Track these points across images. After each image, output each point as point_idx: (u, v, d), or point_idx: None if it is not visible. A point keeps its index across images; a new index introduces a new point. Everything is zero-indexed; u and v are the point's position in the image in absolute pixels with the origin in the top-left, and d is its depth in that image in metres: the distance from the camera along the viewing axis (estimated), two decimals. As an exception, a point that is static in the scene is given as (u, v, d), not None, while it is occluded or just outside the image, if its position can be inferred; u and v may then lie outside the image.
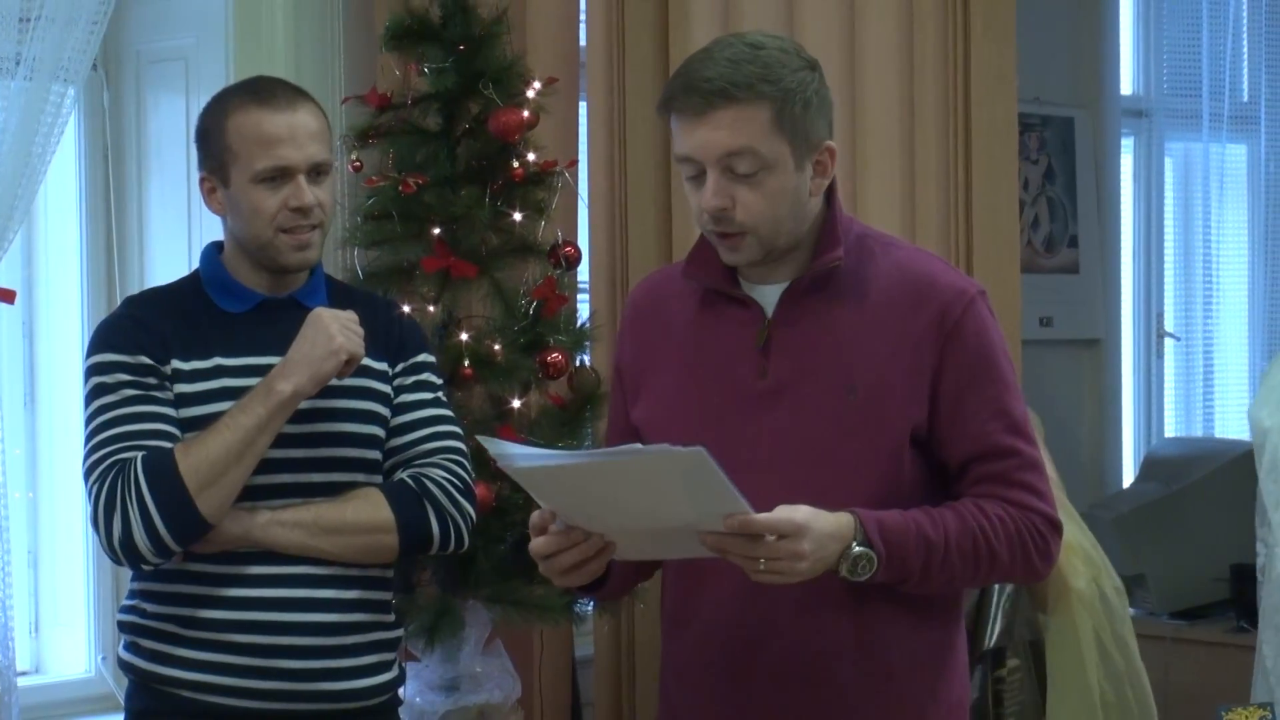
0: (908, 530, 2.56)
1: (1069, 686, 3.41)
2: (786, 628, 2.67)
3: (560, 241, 3.95)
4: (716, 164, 2.58)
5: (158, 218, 4.42)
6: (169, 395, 2.98)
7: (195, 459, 2.86)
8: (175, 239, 4.31)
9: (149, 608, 3.00)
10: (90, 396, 2.99)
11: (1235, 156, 6.91)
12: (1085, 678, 3.48)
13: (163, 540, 2.85)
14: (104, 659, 4.42)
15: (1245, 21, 6.81)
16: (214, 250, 3.13)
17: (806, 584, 2.55)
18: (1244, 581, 5.22)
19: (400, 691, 3.24)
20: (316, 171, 3.00)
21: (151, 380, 2.97)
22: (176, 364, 2.99)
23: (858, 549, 2.51)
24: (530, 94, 3.90)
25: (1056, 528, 2.67)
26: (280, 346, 2.98)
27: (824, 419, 2.64)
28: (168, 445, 2.91)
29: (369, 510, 3.01)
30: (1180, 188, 6.81)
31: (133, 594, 3.07)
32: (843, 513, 2.51)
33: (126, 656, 3.06)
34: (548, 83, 3.98)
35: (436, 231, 3.80)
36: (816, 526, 2.47)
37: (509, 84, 3.87)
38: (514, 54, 3.95)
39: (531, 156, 3.89)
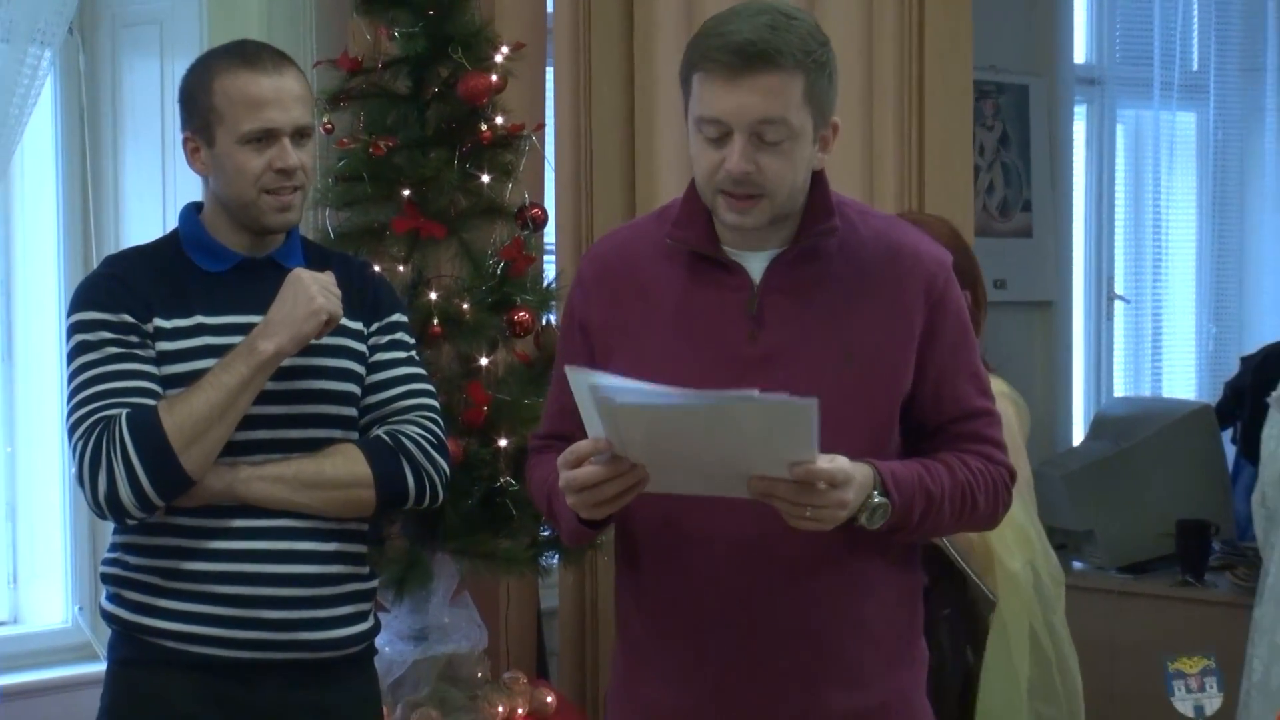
0: (914, 483, 2.61)
1: (997, 669, 3.39)
2: (777, 581, 2.68)
3: (527, 203, 3.97)
4: (747, 129, 2.56)
5: (133, 179, 4.42)
6: (150, 353, 2.98)
7: (179, 416, 2.87)
8: (150, 200, 4.31)
9: (132, 560, 3.01)
10: (73, 354, 2.99)
11: (1185, 124, 6.94)
12: (1012, 662, 3.46)
13: (146, 495, 2.87)
14: (81, 610, 4.43)
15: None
16: (192, 210, 3.13)
17: (804, 538, 2.58)
18: (1189, 537, 5.27)
19: (374, 641, 3.25)
20: (300, 135, 3.01)
21: (133, 338, 2.97)
22: (159, 322, 2.99)
23: (878, 499, 2.55)
24: (498, 59, 3.90)
25: (1014, 477, 2.74)
26: (259, 305, 2.99)
27: (820, 385, 2.57)
28: (151, 403, 2.91)
29: (347, 466, 3.03)
30: (1131, 154, 6.83)
31: (114, 547, 3.07)
32: (863, 464, 2.54)
33: (109, 607, 3.06)
34: (515, 48, 3.98)
35: (406, 193, 3.80)
36: (858, 477, 2.51)
37: (477, 49, 3.87)
38: (482, 19, 3.95)
39: (499, 120, 3.90)
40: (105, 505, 2.91)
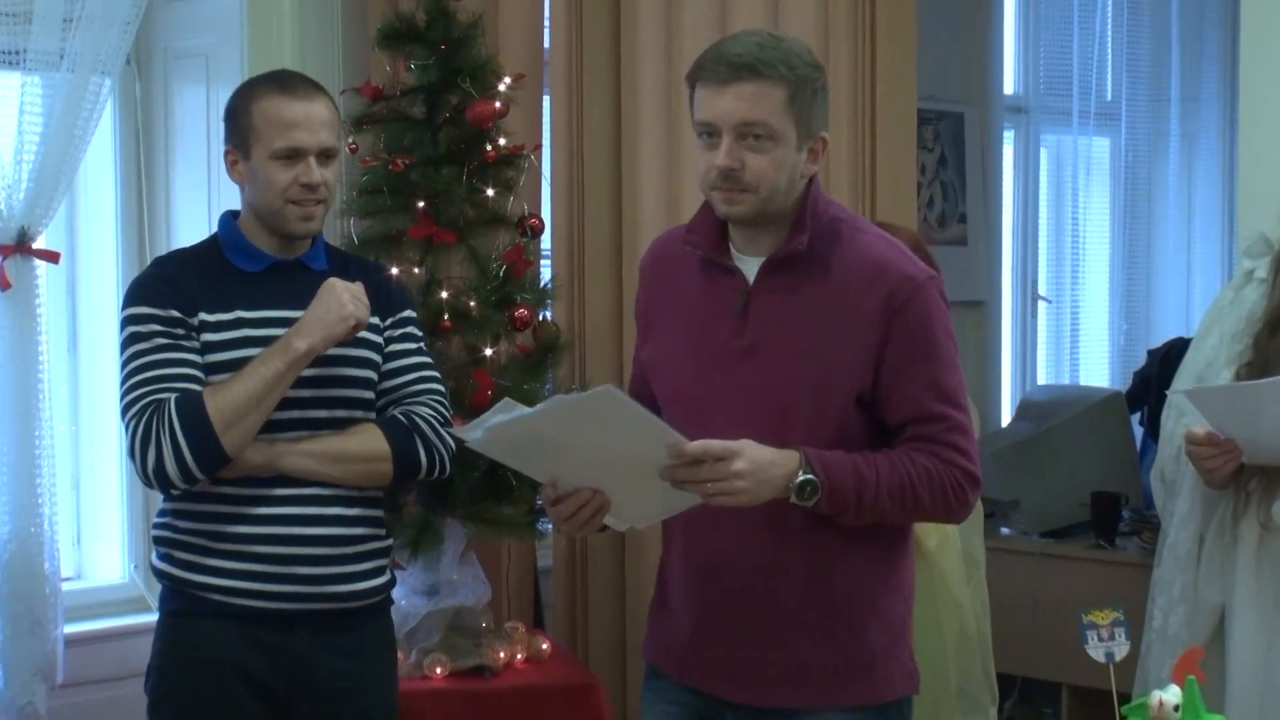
0: (844, 466, 2.60)
1: (923, 631, 3.36)
2: (747, 549, 2.70)
3: (526, 214, 3.96)
4: (733, 130, 2.60)
5: (182, 191, 4.40)
6: (195, 344, 3.00)
7: (221, 402, 2.89)
8: (197, 209, 4.30)
9: (181, 524, 3.04)
10: (126, 343, 3.01)
11: (1100, 148, 6.94)
12: (939, 625, 3.44)
13: (190, 470, 2.89)
14: (136, 567, 4.44)
15: (1110, 30, 6.84)
16: (230, 217, 3.16)
17: (768, 515, 2.62)
18: (1101, 507, 5.29)
19: (391, 593, 3.29)
20: (325, 155, 3.03)
21: (180, 331, 2.99)
22: (203, 316, 3.02)
23: (803, 476, 2.55)
24: (501, 88, 3.89)
25: (975, 481, 2.70)
26: (290, 301, 3.03)
27: (786, 377, 2.68)
28: (196, 388, 2.93)
29: (369, 442, 3.07)
30: (1053, 174, 6.82)
31: (164, 512, 3.10)
32: (788, 449, 2.56)
33: (161, 565, 3.09)
34: (516, 78, 3.97)
35: (421, 205, 3.79)
36: (750, 451, 2.52)
37: (483, 79, 3.86)
38: (488, 53, 3.95)
39: (502, 141, 3.89)
40: (153, 476, 2.93)
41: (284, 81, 3.09)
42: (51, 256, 4.00)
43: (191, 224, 4.25)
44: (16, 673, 3.90)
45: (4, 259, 3.88)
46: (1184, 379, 3.30)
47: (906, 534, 2.83)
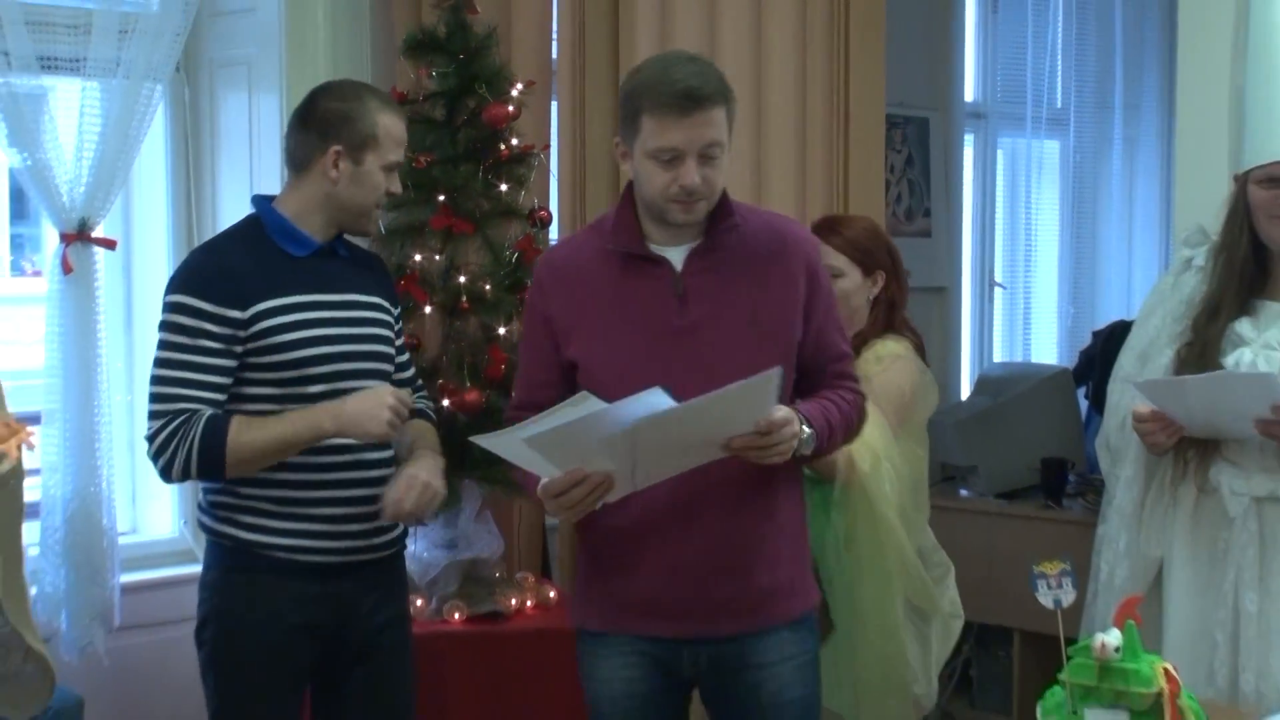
0: (820, 417, 2.73)
1: (871, 564, 3.34)
2: (710, 504, 2.75)
3: (536, 207, 3.97)
4: (697, 152, 2.65)
5: (225, 185, 4.40)
6: (236, 348, 2.97)
7: (239, 444, 2.91)
8: (239, 201, 4.26)
9: (246, 490, 3.03)
10: (171, 329, 2.98)
11: (1050, 150, 6.94)
12: (878, 551, 3.41)
13: (183, 479, 2.99)
14: (185, 523, 4.44)
15: (1060, 43, 6.84)
16: (268, 203, 3.12)
17: (723, 473, 2.70)
18: (1050, 471, 5.29)
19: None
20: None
21: (226, 332, 2.95)
22: (258, 307, 2.97)
23: (807, 431, 2.67)
24: (514, 93, 3.90)
25: (865, 398, 2.90)
26: (331, 285, 3.07)
27: (735, 345, 2.73)
28: (220, 407, 2.95)
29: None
30: (1008, 174, 6.83)
31: (225, 482, 3.07)
32: (788, 407, 2.66)
33: (223, 529, 3.08)
34: (527, 85, 3.97)
35: (441, 198, 3.79)
36: (794, 414, 2.65)
37: (498, 85, 3.86)
38: (501, 62, 3.94)
39: (514, 141, 3.89)
40: (155, 466, 2.97)
41: (393, 102, 3.16)
42: (109, 244, 4.00)
43: (234, 214, 4.21)
44: (78, 617, 3.92)
45: (66, 246, 3.90)
46: (1128, 356, 3.30)
47: (800, 474, 2.93)
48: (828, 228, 3.51)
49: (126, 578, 4.08)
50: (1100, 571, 3.28)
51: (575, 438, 2.54)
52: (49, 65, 3.86)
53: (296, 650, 3.07)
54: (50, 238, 3.98)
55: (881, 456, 3.22)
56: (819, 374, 2.83)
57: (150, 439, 2.94)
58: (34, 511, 4.00)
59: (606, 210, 2.97)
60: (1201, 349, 3.08)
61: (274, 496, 3.02)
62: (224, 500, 3.06)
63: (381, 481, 3.07)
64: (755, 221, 2.84)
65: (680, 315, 2.75)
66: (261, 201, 3.13)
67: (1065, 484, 5.31)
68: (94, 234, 3.94)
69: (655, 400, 2.51)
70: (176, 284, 3.02)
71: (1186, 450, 3.09)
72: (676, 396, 2.54)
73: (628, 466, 2.59)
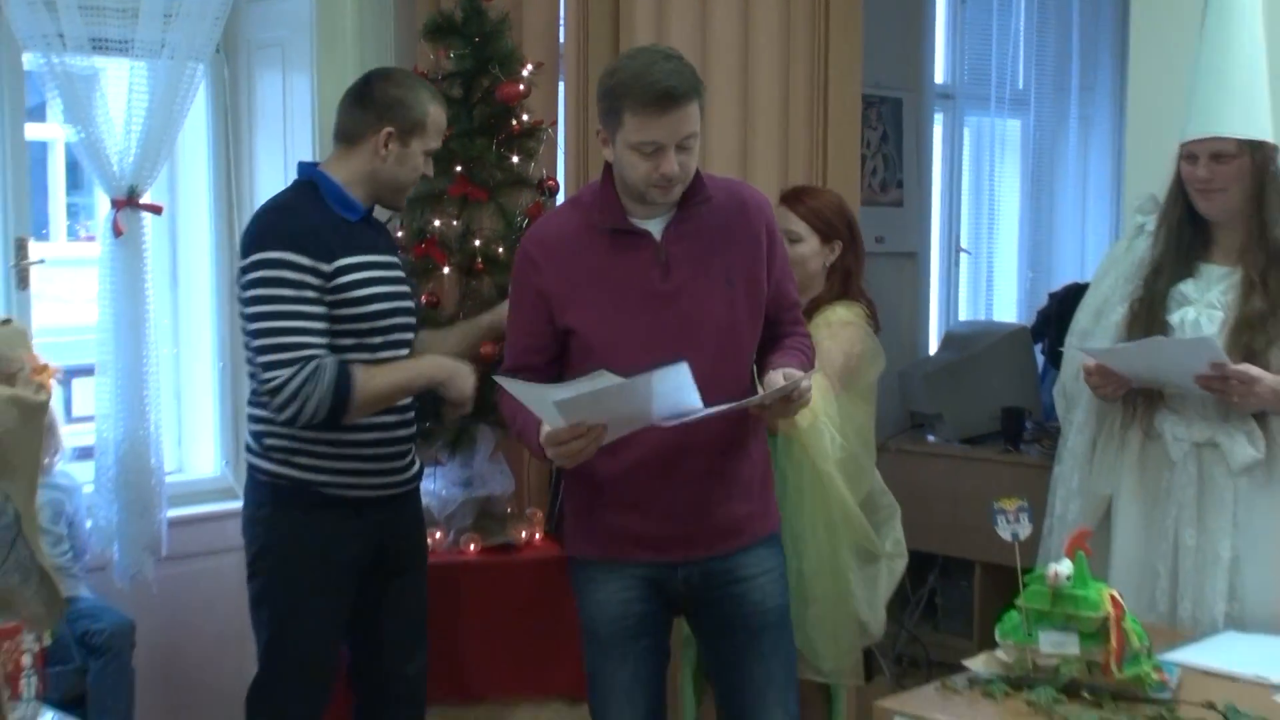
0: (798, 366, 2.79)
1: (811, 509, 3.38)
2: (699, 445, 2.78)
3: (545, 176, 3.96)
4: (675, 143, 2.68)
5: (262, 157, 4.41)
6: (326, 298, 2.99)
7: (364, 392, 2.96)
8: (274, 171, 4.31)
9: (306, 434, 3.03)
10: (273, 284, 2.96)
11: (1013, 128, 6.91)
12: (822, 502, 3.44)
13: (312, 424, 2.96)
14: (227, 463, 4.47)
15: (1022, 31, 6.81)
16: (311, 170, 3.16)
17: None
18: (1010, 419, 5.32)
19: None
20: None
21: (320, 283, 2.97)
22: (342, 261, 3.00)
23: (806, 382, 2.71)
24: (524, 74, 3.89)
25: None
26: (375, 248, 3.12)
27: (715, 303, 2.79)
28: (340, 357, 2.97)
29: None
30: (974, 149, 6.80)
31: (279, 424, 3.06)
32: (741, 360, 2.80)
33: (280, 469, 3.10)
34: (536, 66, 3.96)
35: (459, 169, 3.79)
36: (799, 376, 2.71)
37: (510, 66, 3.86)
38: (513, 45, 3.93)
39: (525, 117, 3.89)
40: (281, 415, 2.95)
41: (438, 97, 3.21)
42: (155, 209, 4.02)
43: (269, 181, 4.26)
44: (129, 548, 3.95)
45: (117, 211, 3.91)
46: (1085, 313, 3.31)
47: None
48: (794, 196, 3.52)
49: (173, 512, 4.11)
50: (1054, 508, 3.30)
51: (599, 403, 2.57)
52: (100, 46, 3.87)
53: (342, 575, 3.12)
54: (102, 205, 3.98)
55: (820, 415, 3.23)
56: (777, 322, 2.91)
57: (278, 389, 2.91)
58: (88, 453, 4.05)
59: (581, 190, 3.02)
60: (1149, 307, 3.09)
61: (331, 439, 3.04)
62: (282, 444, 3.07)
63: (406, 424, 3.16)
64: (717, 187, 2.87)
65: (664, 280, 2.78)
66: (313, 169, 3.15)
67: (1023, 430, 5.34)
68: (142, 200, 3.95)
69: (680, 375, 2.54)
70: (266, 242, 2.98)
71: (1134, 399, 3.10)
72: (666, 354, 2.56)
73: (637, 424, 2.65)
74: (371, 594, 3.19)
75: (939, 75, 6.52)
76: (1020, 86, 6.86)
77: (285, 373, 2.89)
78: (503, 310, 3.19)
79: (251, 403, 3.15)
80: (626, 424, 2.65)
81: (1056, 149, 6.97)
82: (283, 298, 2.93)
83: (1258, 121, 3.01)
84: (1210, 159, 3.01)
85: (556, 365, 2.84)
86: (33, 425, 2.15)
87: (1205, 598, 3.01)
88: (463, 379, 3.11)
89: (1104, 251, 6.78)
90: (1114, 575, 3.10)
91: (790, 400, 2.69)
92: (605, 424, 2.60)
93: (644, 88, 2.65)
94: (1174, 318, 3.06)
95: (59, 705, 2.63)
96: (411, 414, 3.18)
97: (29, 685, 2.56)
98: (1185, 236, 3.10)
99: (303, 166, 3.19)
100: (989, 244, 6.89)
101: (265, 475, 3.10)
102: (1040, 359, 5.82)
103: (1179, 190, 3.10)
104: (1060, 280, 6.53)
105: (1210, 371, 2.90)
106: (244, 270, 3.00)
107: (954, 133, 6.67)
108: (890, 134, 6.19)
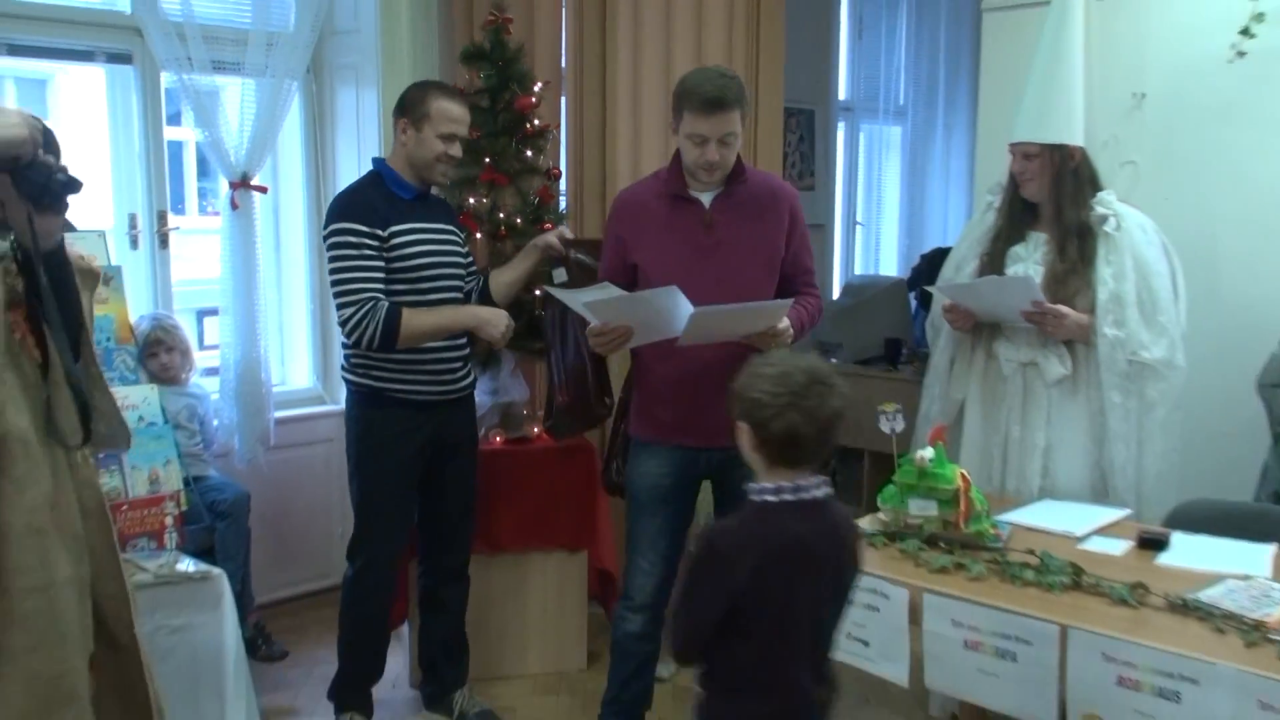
0: (796, 320, 2.81)
1: None
2: (717, 362, 2.76)
3: (551, 167, 3.92)
4: (717, 139, 2.71)
5: (340, 151, 4.34)
6: (383, 255, 2.99)
7: (409, 328, 2.95)
8: (349, 161, 4.27)
9: (376, 354, 3.04)
10: (344, 246, 2.97)
11: (895, 134, 6.89)
12: None
13: (375, 348, 2.96)
14: (317, 377, 4.44)
15: (903, 59, 6.77)
16: (380, 163, 3.12)
17: (728, 345, 2.75)
18: (890, 346, 5.36)
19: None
20: (463, 139, 3.08)
21: (377, 244, 2.97)
22: (393, 228, 2.99)
23: (792, 330, 2.76)
24: (536, 89, 3.84)
25: (822, 304, 2.99)
26: (428, 217, 3.08)
27: (743, 259, 2.81)
28: (384, 297, 2.94)
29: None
30: (867, 149, 6.79)
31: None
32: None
33: (362, 380, 3.10)
34: (544, 84, 3.92)
35: (487, 160, 3.75)
36: (784, 319, 2.74)
37: (525, 84, 3.81)
38: (527, 68, 3.88)
39: (535, 122, 3.83)
40: (350, 339, 2.98)
41: (450, 91, 3.07)
42: (262, 189, 3.98)
43: (347, 170, 4.23)
44: (246, 439, 3.96)
45: (234, 191, 3.88)
46: (949, 266, 3.31)
47: None
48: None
49: (278, 413, 4.11)
50: (923, 409, 3.32)
51: (615, 307, 2.68)
52: (219, 67, 3.82)
53: (410, 456, 3.13)
54: (223, 187, 3.94)
55: None
56: (794, 280, 2.89)
57: (345, 321, 2.95)
58: (214, 371, 4.04)
59: (661, 167, 2.97)
60: (992, 261, 3.09)
61: (396, 358, 3.05)
62: (361, 362, 3.08)
63: (458, 348, 3.15)
64: (757, 178, 2.88)
65: (707, 237, 2.81)
66: (380, 161, 3.13)
67: (900, 355, 5.36)
68: (252, 183, 3.92)
69: (674, 296, 2.62)
70: (338, 216, 2.99)
71: (980, 330, 3.11)
72: (704, 292, 2.66)
73: (656, 334, 2.73)
74: (436, 468, 3.21)
75: (841, 93, 6.49)
76: (901, 102, 6.85)
77: (350, 310, 2.93)
78: (549, 235, 3.29)
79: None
80: (648, 330, 2.72)
81: (927, 149, 6.96)
82: (349, 256, 2.94)
83: (1052, 131, 2.98)
84: (1022, 157, 3.01)
85: (632, 290, 2.88)
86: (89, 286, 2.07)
87: (1026, 475, 3.04)
88: (491, 326, 3.04)
89: (962, 223, 6.87)
90: (963, 458, 3.13)
91: (773, 335, 2.73)
92: (631, 327, 2.68)
93: (698, 94, 2.68)
94: (1010, 270, 3.06)
95: (194, 555, 2.63)
96: (464, 340, 3.16)
97: (171, 539, 2.57)
98: (1017, 212, 3.09)
99: (374, 160, 3.17)
100: (877, 218, 6.90)
101: (352, 385, 3.12)
102: (913, 303, 5.84)
103: (1012, 178, 3.09)
104: (928, 245, 6.54)
105: (1032, 309, 2.91)
106: (325, 238, 3.01)
107: (852, 136, 6.65)
108: (805, 137, 6.17)
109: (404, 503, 3.18)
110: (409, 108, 3.03)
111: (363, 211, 2.97)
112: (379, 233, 2.96)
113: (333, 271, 2.98)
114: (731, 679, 1.90)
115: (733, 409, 1.97)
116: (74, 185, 1.80)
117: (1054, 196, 3.00)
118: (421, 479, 3.21)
